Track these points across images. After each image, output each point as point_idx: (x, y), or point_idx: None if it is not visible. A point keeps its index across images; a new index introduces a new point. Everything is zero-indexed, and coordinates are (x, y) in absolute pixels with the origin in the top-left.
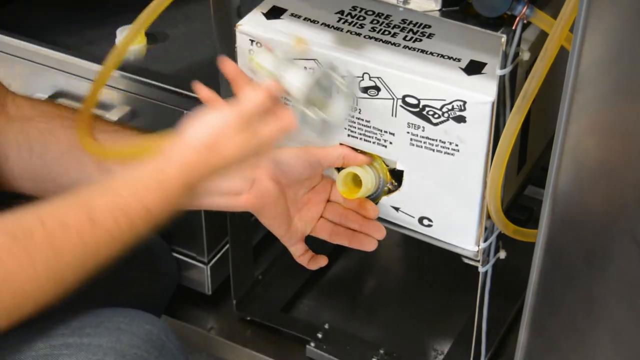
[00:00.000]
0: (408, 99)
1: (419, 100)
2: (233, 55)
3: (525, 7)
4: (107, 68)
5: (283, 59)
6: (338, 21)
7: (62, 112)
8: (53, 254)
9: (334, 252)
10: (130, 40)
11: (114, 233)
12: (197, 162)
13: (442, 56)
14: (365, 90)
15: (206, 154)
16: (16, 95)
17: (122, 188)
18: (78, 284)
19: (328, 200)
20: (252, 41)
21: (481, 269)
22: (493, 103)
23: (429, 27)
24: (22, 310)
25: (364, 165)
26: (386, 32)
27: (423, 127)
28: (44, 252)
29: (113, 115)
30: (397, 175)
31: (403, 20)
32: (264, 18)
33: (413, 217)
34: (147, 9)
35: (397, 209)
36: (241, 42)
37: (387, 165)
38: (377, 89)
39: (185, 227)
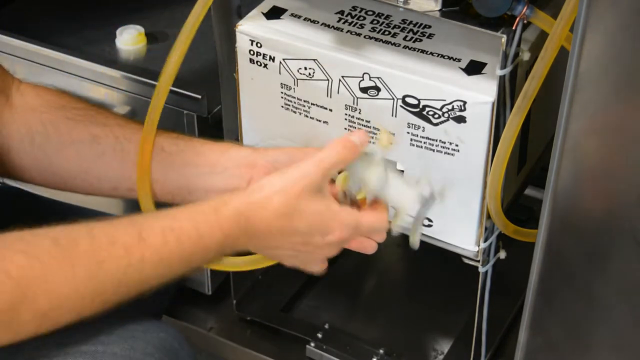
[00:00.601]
0: (408, 99)
1: (419, 100)
2: (233, 55)
3: (525, 7)
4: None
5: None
6: (338, 21)
7: (66, 101)
8: (95, 262)
9: None
10: (179, 60)
11: (161, 252)
12: (263, 227)
13: (442, 56)
14: (365, 90)
15: (275, 227)
16: (21, 82)
17: (178, 212)
18: (119, 300)
19: None
20: (252, 41)
21: (481, 269)
22: (493, 103)
23: (429, 27)
24: (58, 315)
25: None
26: (386, 32)
27: (423, 127)
28: (85, 259)
29: None
30: None
31: (403, 20)
32: (264, 18)
33: (413, 217)
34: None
35: None
36: (241, 42)
37: None
38: (377, 89)
39: None
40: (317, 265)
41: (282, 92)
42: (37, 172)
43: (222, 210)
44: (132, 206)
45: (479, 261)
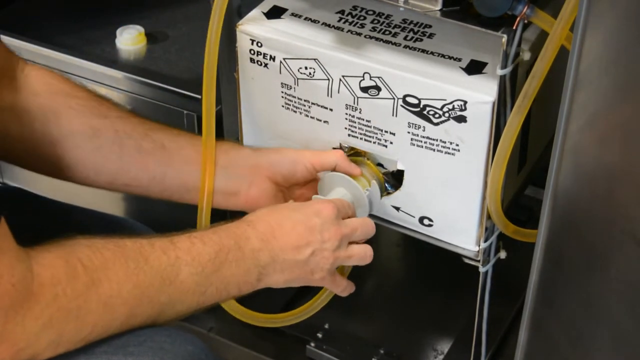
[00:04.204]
0: (409, 99)
1: (419, 100)
2: (233, 55)
3: (525, 7)
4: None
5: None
6: (339, 21)
7: (69, 88)
8: (142, 258)
9: None
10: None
11: (191, 252)
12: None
13: (443, 56)
14: (365, 90)
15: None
16: (26, 63)
17: (195, 230)
18: (162, 304)
19: None
20: (252, 41)
21: (481, 269)
22: (494, 103)
23: (430, 27)
24: (114, 307)
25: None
26: (387, 32)
27: (424, 127)
28: (134, 255)
29: None
30: (397, 175)
31: (404, 20)
32: (264, 17)
33: (413, 216)
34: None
35: (397, 208)
36: (241, 42)
37: (385, 168)
38: (378, 88)
39: (186, 227)
40: (330, 275)
41: (282, 92)
42: (32, 159)
43: (231, 223)
44: (133, 207)
45: (479, 261)
